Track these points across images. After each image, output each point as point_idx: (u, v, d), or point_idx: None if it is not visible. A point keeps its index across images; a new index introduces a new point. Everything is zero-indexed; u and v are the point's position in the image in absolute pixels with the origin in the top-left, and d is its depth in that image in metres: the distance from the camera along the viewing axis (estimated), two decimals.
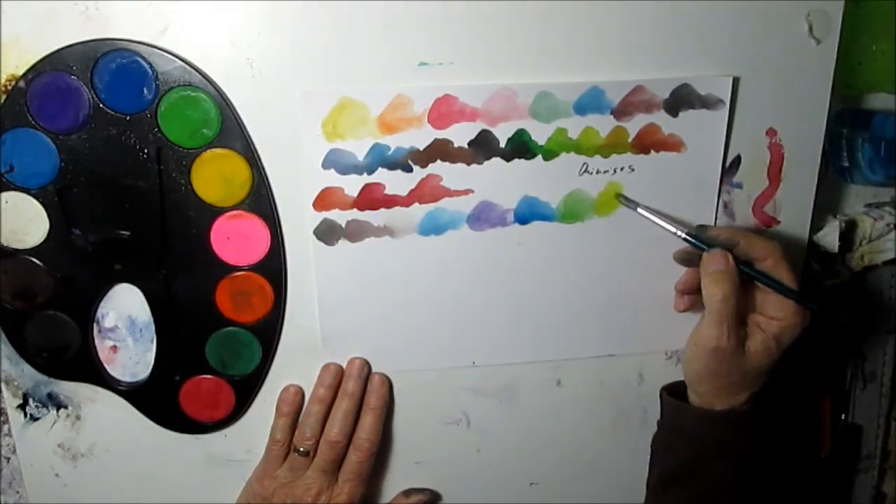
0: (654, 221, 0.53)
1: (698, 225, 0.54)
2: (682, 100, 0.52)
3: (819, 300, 0.51)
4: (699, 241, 0.52)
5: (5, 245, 0.50)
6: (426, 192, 0.52)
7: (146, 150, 0.49)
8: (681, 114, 0.53)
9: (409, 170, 0.51)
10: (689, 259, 0.54)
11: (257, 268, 0.52)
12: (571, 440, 0.61)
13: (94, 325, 0.53)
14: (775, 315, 0.51)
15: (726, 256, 0.50)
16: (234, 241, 0.51)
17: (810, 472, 0.61)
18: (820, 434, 0.67)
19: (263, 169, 0.50)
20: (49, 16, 0.46)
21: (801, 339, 0.51)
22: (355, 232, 0.52)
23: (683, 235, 0.52)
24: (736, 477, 0.53)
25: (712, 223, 0.56)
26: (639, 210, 0.53)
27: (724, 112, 0.53)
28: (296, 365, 0.55)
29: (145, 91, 0.48)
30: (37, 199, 0.49)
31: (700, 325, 0.52)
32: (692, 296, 0.56)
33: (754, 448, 0.53)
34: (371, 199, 0.52)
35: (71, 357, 0.53)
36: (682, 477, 0.54)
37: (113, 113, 0.48)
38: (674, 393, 0.56)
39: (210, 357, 0.54)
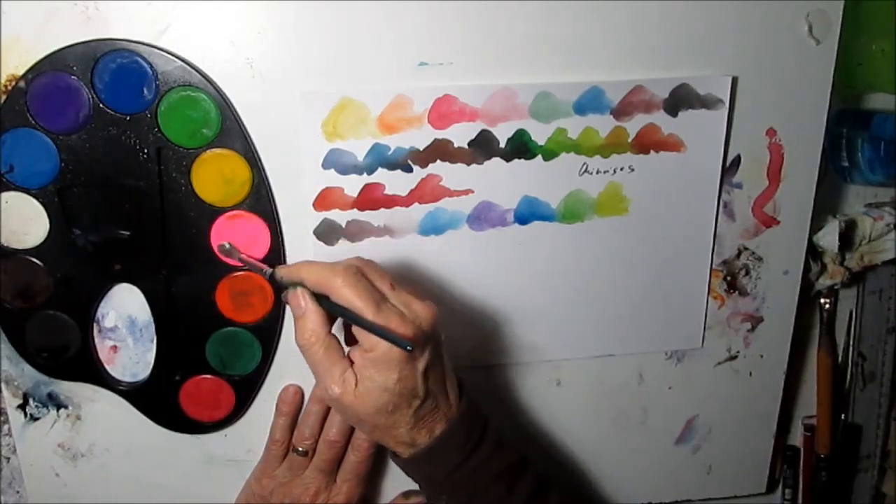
0: (248, 263, 0.50)
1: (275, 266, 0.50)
2: (681, 100, 0.52)
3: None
4: (274, 282, 0.49)
5: (5, 245, 0.50)
6: (426, 192, 0.52)
7: (146, 150, 0.49)
8: (680, 114, 0.53)
9: (409, 170, 0.51)
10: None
11: None
12: (571, 440, 0.61)
13: (95, 325, 0.53)
14: (367, 347, 0.45)
15: (299, 297, 0.46)
16: (235, 241, 0.51)
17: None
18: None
19: (263, 169, 0.50)
20: (49, 16, 0.46)
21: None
22: (355, 232, 0.52)
23: (267, 275, 0.49)
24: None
25: (712, 223, 0.56)
26: (239, 256, 0.50)
27: (724, 112, 0.53)
28: (296, 365, 0.55)
29: (145, 91, 0.48)
30: (37, 199, 0.49)
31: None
32: None
33: (459, 478, 0.48)
34: (371, 199, 0.52)
35: (71, 357, 0.53)
36: None
37: (113, 113, 0.48)
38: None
39: (210, 357, 0.54)
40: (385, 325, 0.44)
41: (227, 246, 0.50)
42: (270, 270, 0.49)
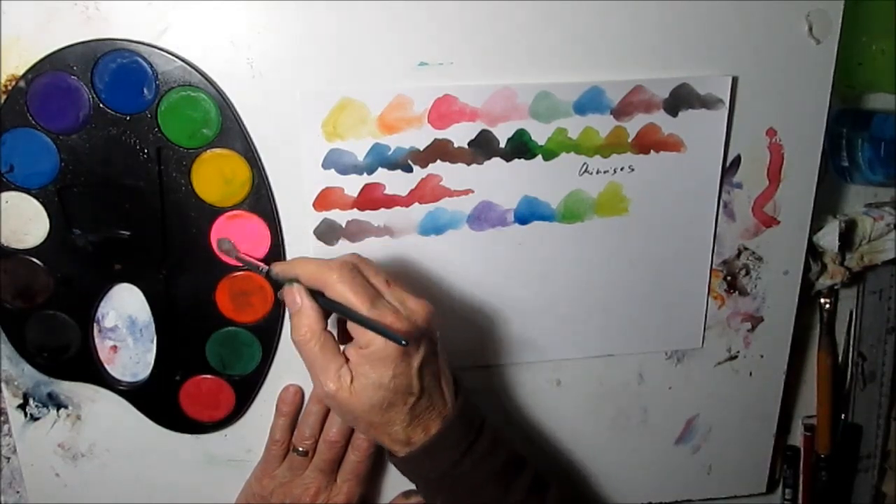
0: (246, 262, 0.50)
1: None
2: (681, 100, 0.52)
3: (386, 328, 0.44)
4: (270, 279, 0.49)
5: (5, 245, 0.50)
6: (426, 192, 0.52)
7: (146, 150, 0.49)
8: (680, 114, 0.53)
9: (409, 170, 0.51)
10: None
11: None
12: (571, 440, 0.61)
13: (95, 325, 0.53)
14: (362, 343, 0.45)
15: (295, 294, 0.46)
16: (235, 240, 0.51)
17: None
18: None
19: (263, 169, 0.50)
20: (49, 16, 0.46)
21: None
22: (355, 232, 0.52)
23: (264, 272, 0.49)
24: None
25: (712, 223, 0.56)
26: (239, 256, 0.50)
27: (724, 112, 0.53)
28: (296, 365, 0.54)
29: (145, 91, 0.48)
30: (37, 199, 0.49)
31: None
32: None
33: (452, 476, 0.48)
34: (371, 199, 0.52)
35: (71, 357, 0.53)
36: None
37: (113, 113, 0.48)
38: None
39: (210, 357, 0.54)
40: (380, 321, 0.44)
41: (228, 244, 0.50)
42: (266, 268, 0.49)
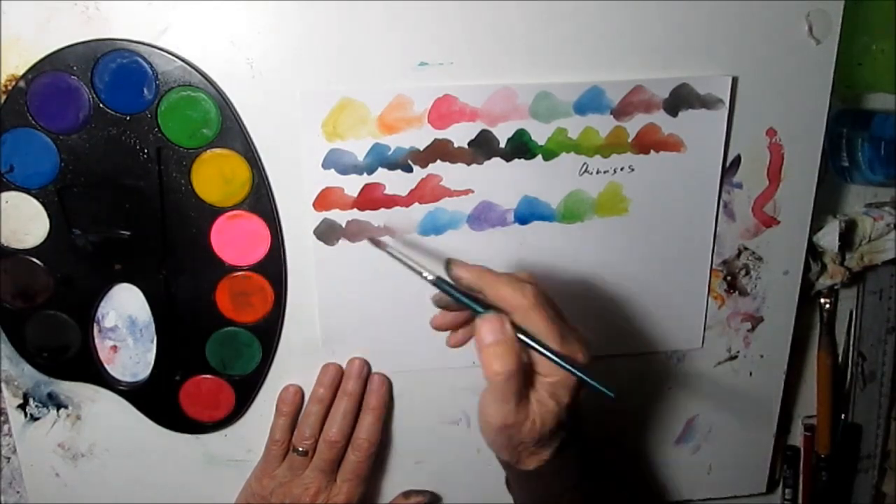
0: (401, 261, 0.47)
1: (447, 259, 0.46)
2: (681, 99, 0.52)
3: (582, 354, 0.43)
4: (447, 287, 0.45)
5: (5, 245, 0.50)
6: (426, 192, 0.52)
7: (146, 150, 0.49)
8: (680, 114, 0.53)
9: (409, 170, 0.51)
10: (445, 306, 0.48)
11: (257, 268, 0.52)
12: None
13: (94, 325, 0.53)
14: (545, 372, 0.43)
15: (503, 323, 0.42)
16: (235, 241, 0.51)
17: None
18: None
19: (263, 169, 0.50)
20: (49, 16, 0.46)
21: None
22: (355, 232, 0.52)
23: (431, 279, 0.45)
24: None
25: (712, 223, 0.56)
26: (387, 250, 0.49)
27: (724, 112, 0.53)
28: (296, 365, 0.55)
29: (145, 91, 0.48)
30: (37, 199, 0.49)
31: (484, 399, 0.44)
32: (465, 329, 0.51)
33: (577, 492, 0.47)
34: (371, 199, 0.52)
35: (71, 357, 0.53)
36: None
37: (113, 113, 0.48)
38: None
39: (210, 357, 0.54)
40: (573, 358, 0.42)
41: (377, 239, 0.49)
42: (436, 276, 0.45)
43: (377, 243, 0.51)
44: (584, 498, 0.48)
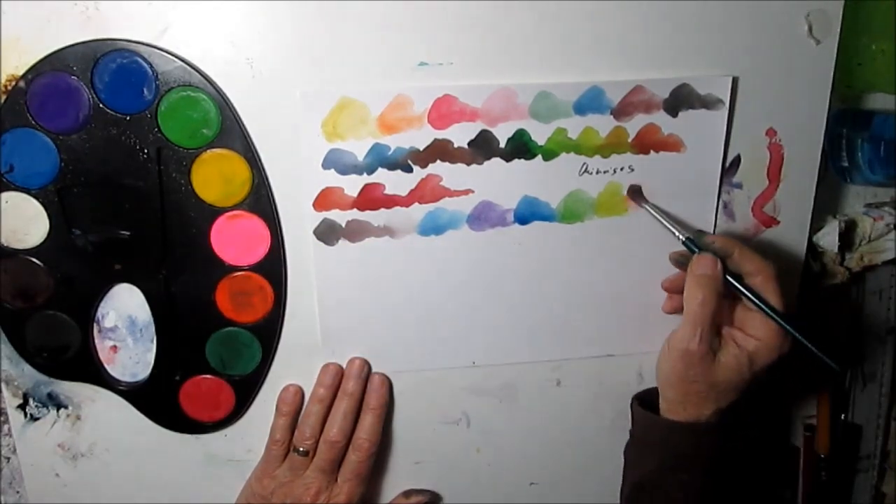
0: (657, 219, 0.53)
1: (698, 230, 0.54)
2: (681, 100, 0.52)
3: (805, 328, 0.49)
4: (693, 245, 0.51)
5: (5, 245, 0.50)
6: (426, 192, 0.52)
7: (146, 150, 0.49)
8: (680, 114, 0.53)
9: (409, 170, 0.51)
10: (684, 263, 0.53)
11: (257, 268, 0.52)
12: (571, 440, 0.61)
13: (94, 325, 0.53)
14: (754, 333, 0.50)
15: (714, 262, 0.49)
16: (235, 241, 0.51)
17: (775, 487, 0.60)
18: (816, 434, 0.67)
19: (263, 169, 0.50)
20: (49, 16, 0.46)
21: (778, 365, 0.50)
22: (355, 232, 0.52)
23: (682, 238, 0.52)
24: (698, 489, 0.52)
25: (712, 223, 0.56)
26: (644, 206, 0.53)
27: (724, 112, 0.53)
28: (296, 365, 0.55)
29: (145, 91, 0.48)
30: (37, 199, 0.49)
31: (675, 331, 0.51)
32: (679, 296, 0.54)
33: (717, 460, 0.51)
34: (371, 199, 0.52)
35: (71, 357, 0.53)
36: (649, 487, 0.53)
37: (113, 113, 0.48)
38: (644, 401, 0.55)
39: (210, 357, 0.54)
40: (783, 339, 0.49)
41: (636, 187, 0.53)
42: (686, 235, 0.51)
43: (637, 198, 0.54)
44: (711, 481, 0.52)
